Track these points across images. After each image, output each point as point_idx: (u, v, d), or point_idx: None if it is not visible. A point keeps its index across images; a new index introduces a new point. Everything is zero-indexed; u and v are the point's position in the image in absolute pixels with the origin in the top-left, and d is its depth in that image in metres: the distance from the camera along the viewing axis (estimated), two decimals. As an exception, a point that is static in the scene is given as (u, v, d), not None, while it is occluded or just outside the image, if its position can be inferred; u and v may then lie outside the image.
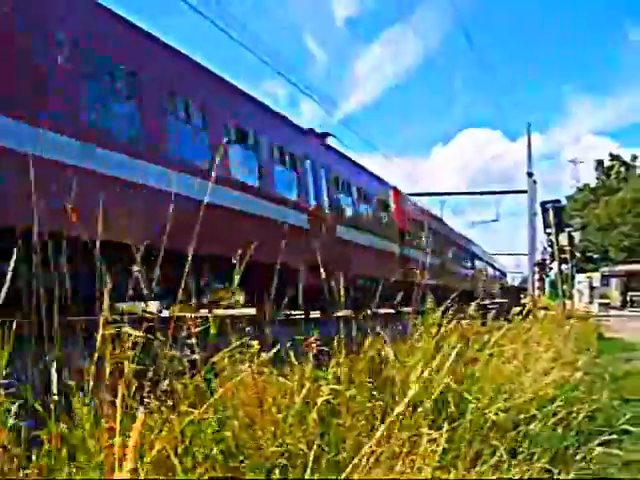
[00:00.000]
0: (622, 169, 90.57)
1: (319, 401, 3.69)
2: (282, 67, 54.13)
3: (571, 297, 39.77)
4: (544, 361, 7.10)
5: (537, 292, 41.32)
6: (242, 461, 3.18)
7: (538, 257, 51.73)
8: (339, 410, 4.08)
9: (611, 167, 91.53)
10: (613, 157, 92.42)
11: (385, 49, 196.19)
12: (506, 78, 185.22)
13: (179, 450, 3.07)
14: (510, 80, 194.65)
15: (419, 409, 4.31)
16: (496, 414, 4.75)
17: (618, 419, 7.09)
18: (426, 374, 4.84)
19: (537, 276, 42.86)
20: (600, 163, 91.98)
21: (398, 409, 3.31)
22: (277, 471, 3.18)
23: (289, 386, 4.07)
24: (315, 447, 3.13)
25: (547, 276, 60.14)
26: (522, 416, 5.19)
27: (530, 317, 17.01)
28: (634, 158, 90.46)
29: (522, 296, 38.67)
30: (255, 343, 4.46)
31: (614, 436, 6.32)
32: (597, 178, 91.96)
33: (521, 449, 4.57)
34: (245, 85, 19.12)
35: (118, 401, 2.90)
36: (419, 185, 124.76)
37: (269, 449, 3.22)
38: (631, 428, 6.78)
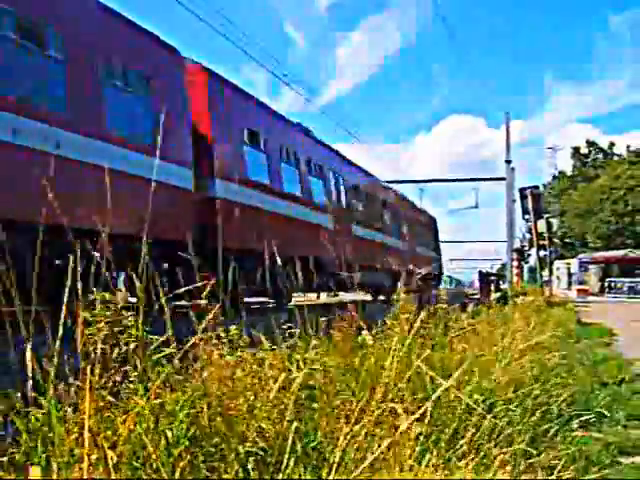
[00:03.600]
0: (599, 156, 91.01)
1: (296, 382, 3.59)
2: (262, 53, 53.83)
3: (550, 283, 39.99)
4: (521, 345, 7.03)
5: (516, 278, 41.41)
6: (216, 445, 3.08)
7: (517, 244, 51.91)
8: (315, 394, 3.99)
9: (588, 154, 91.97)
10: (590, 144, 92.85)
11: (366, 36, 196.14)
12: (487, 66, 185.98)
13: (149, 434, 2.97)
14: (491, 68, 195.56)
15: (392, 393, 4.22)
16: (470, 396, 4.66)
17: (597, 403, 7.07)
18: (402, 354, 4.76)
19: (515, 263, 42.91)
20: (577, 150, 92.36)
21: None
22: (251, 456, 3.09)
23: (264, 371, 3.97)
24: (292, 430, 3.03)
25: (526, 262, 60.42)
26: (500, 399, 5.11)
27: (509, 303, 17.05)
28: (611, 145, 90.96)
29: (500, 283, 38.84)
30: (233, 327, 4.37)
31: (593, 419, 6.30)
32: (573, 165, 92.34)
33: (499, 431, 4.48)
34: (224, 71, 19.23)
35: (86, 385, 2.77)
36: (401, 173, 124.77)
37: (243, 432, 3.14)
38: (608, 412, 6.78)
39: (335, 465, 2.97)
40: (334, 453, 3.04)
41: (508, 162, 41.03)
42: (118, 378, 3.30)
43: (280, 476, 2.86)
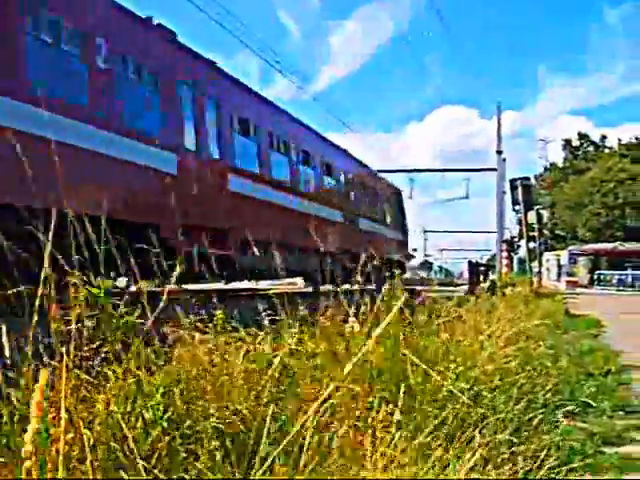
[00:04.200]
0: (590, 149, 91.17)
1: (273, 365, 3.58)
2: (256, 41, 53.60)
3: (539, 275, 40.06)
4: (506, 333, 7.03)
5: (505, 269, 41.49)
6: (191, 427, 3.06)
7: (507, 235, 51.96)
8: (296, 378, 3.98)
9: (579, 146, 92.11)
10: (581, 136, 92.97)
11: (359, 25, 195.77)
12: (480, 57, 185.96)
13: (127, 415, 2.95)
14: (484, 59, 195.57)
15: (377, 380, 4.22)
16: (454, 384, 4.65)
17: (583, 393, 7.07)
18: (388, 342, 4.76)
19: (505, 254, 42.99)
20: (568, 142, 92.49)
21: (347, 368, 3.16)
22: (227, 438, 3.08)
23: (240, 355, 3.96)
24: (269, 412, 3.01)
25: (515, 254, 60.57)
26: (485, 387, 5.11)
27: (497, 294, 17.07)
28: (603, 138, 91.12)
29: (490, 273, 38.86)
30: (219, 312, 4.36)
31: (579, 409, 6.31)
32: (565, 158, 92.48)
33: (483, 419, 4.47)
34: (217, 58, 18.55)
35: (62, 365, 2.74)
36: (392, 162, 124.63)
37: (217, 413, 3.12)
38: (593, 403, 6.79)
39: (305, 448, 2.96)
40: (304, 435, 3.03)
41: (499, 153, 41.07)
42: (97, 360, 3.28)
43: (256, 458, 2.84)
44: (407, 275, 40.06)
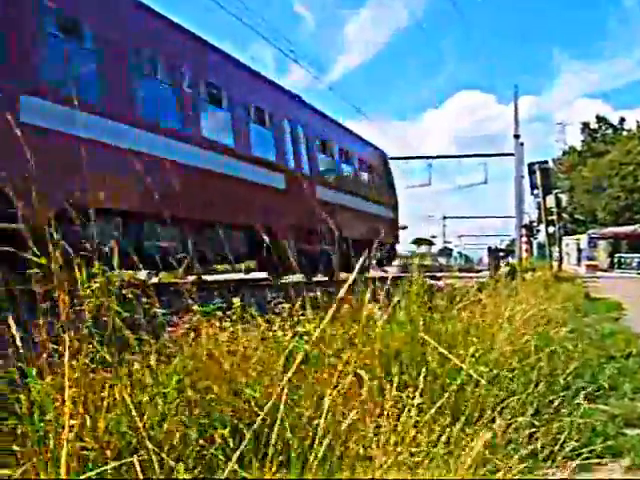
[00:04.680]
0: (609, 131, 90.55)
1: (286, 350, 3.58)
2: (269, 30, 53.56)
3: (560, 259, 39.89)
4: (526, 316, 7.01)
5: (525, 254, 41.29)
6: (207, 415, 3.07)
7: (526, 220, 51.67)
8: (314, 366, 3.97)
9: (597, 129, 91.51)
10: (600, 119, 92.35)
11: (374, 13, 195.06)
12: (496, 43, 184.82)
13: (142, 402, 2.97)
14: (500, 45, 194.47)
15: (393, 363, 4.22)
16: (474, 368, 4.64)
17: (604, 376, 7.04)
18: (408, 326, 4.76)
19: (525, 239, 42.77)
20: (586, 125, 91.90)
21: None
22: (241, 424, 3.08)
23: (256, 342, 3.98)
24: (282, 398, 3.01)
25: (535, 238, 60.27)
26: (504, 370, 5.10)
27: (517, 278, 17.00)
28: (622, 121, 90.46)
29: (509, 258, 38.74)
30: (237, 300, 4.38)
31: (600, 391, 6.28)
32: (583, 141, 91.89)
33: (503, 402, 4.47)
34: (231, 50, 19.68)
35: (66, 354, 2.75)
36: (410, 149, 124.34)
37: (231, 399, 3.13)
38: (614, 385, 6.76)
39: (320, 433, 2.97)
40: (319, 421, 3.03)
41: (517, 137, 40.91)
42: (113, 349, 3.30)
43: (271, 445, 2.84)
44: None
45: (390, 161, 36.18)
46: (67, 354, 2.78)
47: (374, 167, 32.02)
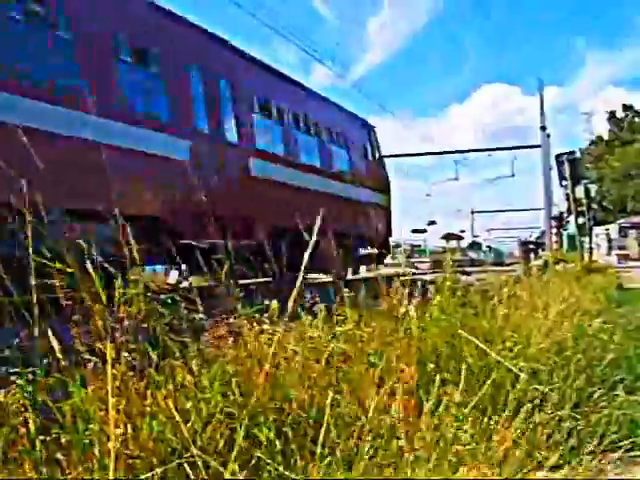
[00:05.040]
0: (636, 119, 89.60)
1: (327, 350, 3.60)
2: (291, 30, 53.69)
3: (590, 250, 39.54)
4: (561, 308, 6.98)
5: (555, 246, 41.01)
6: (251, 417, 3.10)
7: (555, 212, 51.25)
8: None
9: (624, 118, 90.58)
10: (626, 107, 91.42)
11: (395, 9, 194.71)
12: (518, 33, 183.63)
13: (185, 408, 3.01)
14: (522, 34, 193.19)
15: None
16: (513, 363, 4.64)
17: (643, 367, 6.99)
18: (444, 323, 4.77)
19: (554, 230, 42.47)
20: (613, 114, 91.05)
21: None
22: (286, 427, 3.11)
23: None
24: (328, 399, 3.03)
25: (565, 230, 59.79)
26: (541, 364, 5.09)
27: (548, 271, 16.89)
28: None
29: (540, 251, 38.50)
30: (274, 302, 4.39)
31: (639, 383, 6.24)
32: (610, 130, 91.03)
33: (543, 397, 4.46)
34: (255, 52, 18.94)
35: (108, 360, 2.79)
36: (435, 145, 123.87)
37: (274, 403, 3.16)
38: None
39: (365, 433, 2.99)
40: (362, 421, 3.06)
41: (543, 129, 40.69)
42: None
43: (317, 447, 2.86)
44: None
45: (378, 134, 28.89)
46: (109, 362, 2.81)
47: (352, 141, 25.43)
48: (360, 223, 21.03)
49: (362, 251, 24.78)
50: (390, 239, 28.59)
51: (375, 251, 25.34)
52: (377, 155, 28.21)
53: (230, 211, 14.79)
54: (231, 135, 17.23)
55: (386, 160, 29.76)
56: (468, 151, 54.19)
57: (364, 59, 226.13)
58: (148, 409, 2.97)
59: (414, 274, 25.12)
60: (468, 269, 20.77)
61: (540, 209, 48.54)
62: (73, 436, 2.97)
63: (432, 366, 4.22)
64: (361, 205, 23.22)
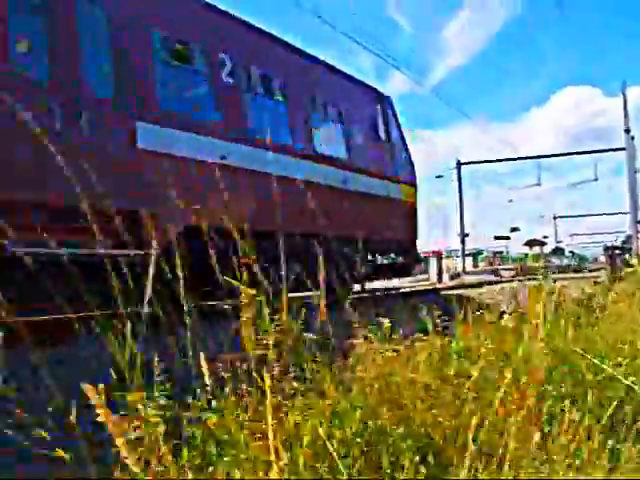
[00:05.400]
0: None
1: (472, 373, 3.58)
2: (368, 39, 53.84)
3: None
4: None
5: (642, 250, 39.99)
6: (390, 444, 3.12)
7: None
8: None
9: None
10: None
11: (472, 14, 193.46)
12: (596, 34, 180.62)
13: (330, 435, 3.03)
14: (601, 35, 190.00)
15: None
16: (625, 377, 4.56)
17: None
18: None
19: (640, 234, 41.40)
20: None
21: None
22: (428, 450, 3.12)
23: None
24: (473, 424, 3.01)
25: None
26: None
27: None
28: None
29: (627, 256, 37.59)
30: (387, 321, 4.38)
31: None
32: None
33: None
34: (332, 58, 19.05)
35: (267, 384, 2.82)
36: (514, 150, 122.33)
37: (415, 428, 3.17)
38: None
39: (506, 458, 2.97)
40: (504, 447, 3.04)
41: (627, 131, 39.77)
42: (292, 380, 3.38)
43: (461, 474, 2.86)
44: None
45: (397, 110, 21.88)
46: (268, 392, 2.82)
47: (361, 116, 19.35)
48: (372, 224, 17.31)
49: (379, 260, 19.72)
50: (417, 244, 22.10)
51: (397, 260, 20.71)
52: (394, 135, 21.28)
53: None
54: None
55: (463, 167, 27.82)
56: (549, 156, 53.05)
57: (443, 63, 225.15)
58: (303, 437, 2.99)
59: (498, 282, 24.14)
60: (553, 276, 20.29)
61: (626, 213, 47.32)
62: (213, 459, 3.03)
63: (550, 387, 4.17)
64: (370, 199, 18.50)
